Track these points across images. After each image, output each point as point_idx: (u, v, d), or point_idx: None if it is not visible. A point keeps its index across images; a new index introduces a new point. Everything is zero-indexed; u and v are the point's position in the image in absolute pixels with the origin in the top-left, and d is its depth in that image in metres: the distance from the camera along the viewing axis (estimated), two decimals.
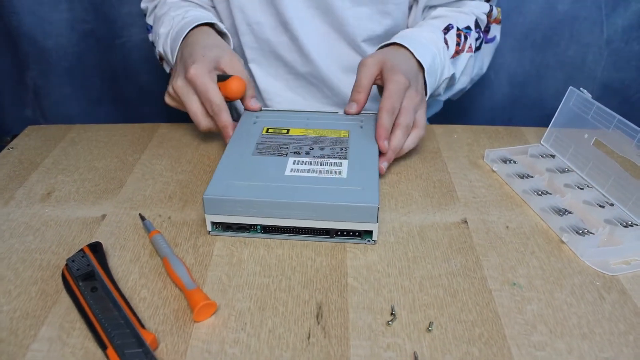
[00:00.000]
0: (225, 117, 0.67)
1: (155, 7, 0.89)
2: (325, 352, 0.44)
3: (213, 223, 0.57)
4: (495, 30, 0.88)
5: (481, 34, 0.84)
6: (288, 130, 0.68)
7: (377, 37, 0.84)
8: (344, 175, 0.59)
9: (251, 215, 0.56)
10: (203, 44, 0.71)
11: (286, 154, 0.63)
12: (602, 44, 1.16)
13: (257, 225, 0.57)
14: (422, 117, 0.69)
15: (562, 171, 0.68)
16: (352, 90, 0.70)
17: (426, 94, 0.74)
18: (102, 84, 1.32)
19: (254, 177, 0.58)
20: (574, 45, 1.17)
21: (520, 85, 1.24)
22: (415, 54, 0.72)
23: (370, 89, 0.70)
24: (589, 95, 0.67)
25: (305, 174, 0.59)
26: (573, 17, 1.14)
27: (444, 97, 0.88)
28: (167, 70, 0.87)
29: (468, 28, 0.81)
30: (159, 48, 0.83)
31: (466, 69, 0.83)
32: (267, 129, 0.68)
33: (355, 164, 0.61)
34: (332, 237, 0.57)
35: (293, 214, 0.55)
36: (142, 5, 0.93)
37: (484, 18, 0.84)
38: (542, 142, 0.75)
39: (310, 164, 0.61)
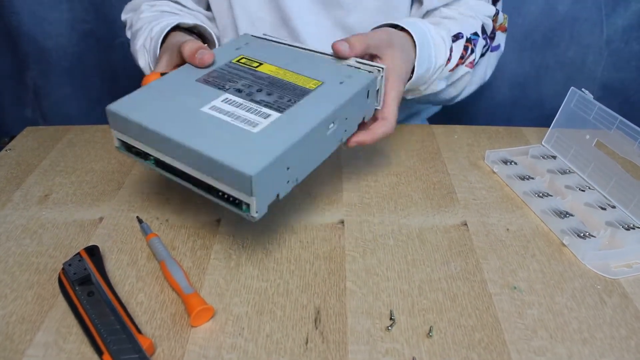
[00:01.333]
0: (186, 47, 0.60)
1: (132, 21, 0.86)
2: (323, 358, 0.44)
3: (119, 140, 0.53)
4: (500, 39, 0.86)
5: (487, 41, 0.81)
6: (260, 64, 0.60)
7: None
8: (258, 129, 0.49)
9: (145, 144, 0.51)
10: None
11: (226, 89, 0.55)
12: (602, 45, 1.16)
13: (151, 156, 0.51)
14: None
15: (563, 172, 0.68)
16: (356, 34, 0.62)
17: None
18: (102, 84, 1.32)
19: (169, 104, 0.52)
20: (574, 45, 1.17)
21: (520, 86, 1.24)
22: (417, 56, 0.67)
23: (366, 50, 0.62)
24: (590, 96, 0.67)
25: (220, 116, 0.51)
26: (573, 17, 1.14)
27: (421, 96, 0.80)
28: None
29: (476, 34, 0.78)
30: (139, 62, 0.79)
31: (457, 82, 0.78)
32: (241, 59, 0.60)
33: (284, 122, 0.51)
34: (213, 196, 0.49)
35: (178, 155, 0.49)
36: (122, 17, 0.89)
37: (490, 23, 0.81)
38: (543, 142, 0.74)
39: (238, 107, 0.52)
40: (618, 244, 0.58)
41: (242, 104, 0.53)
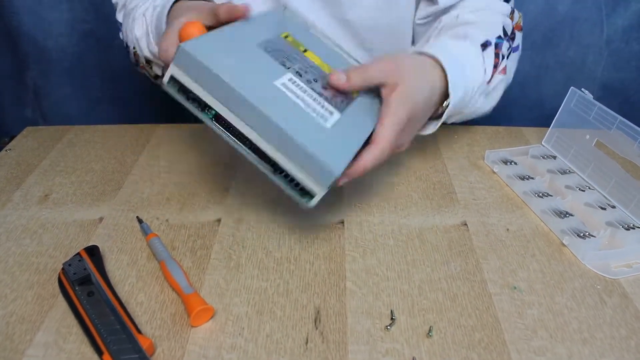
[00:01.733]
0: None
1: (125, 1, 0.83)
2: (323, 358, 0.44)
3: (173, 78, 0.49)
4: (519, 39, 0.81)
5: (510, 42, 0.77)
6: (305, 50, 0.59)
7: (381, 28, 0.83)
8: (329, 125, 0.50)
9: (212, 96, 0.48)
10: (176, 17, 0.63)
11: (287, 68, 0.53)
12: (602, 45, 1.16)
13: (212, 109, 0.49)
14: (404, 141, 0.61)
15: (563, 172, 0.68)
16: (356, 68, 0.59)
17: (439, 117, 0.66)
18: (102, 84, 1.32)
19: (245, 66, 0.50)
20: (574, 45, 1.17)
21: (520, 86, 1.23)
22: (450, 82, 0.62)
23: (365, 83, 0.58)
24: (590, 96, 0.67)
25: (293, 97, 0.50)
26: (573, 17, 1.14)
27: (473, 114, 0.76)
28: (159, 72, 0.78)
29: (500, 38, 0.73)
30: (144, 53, 0.75)
31: (493, 92, 0.75)
32: (287, 36, 0.59)
33: (347, 124, 0.52)
34: (272, 172, 0.49)
35: (251, 120, 0.47)
36: (113, 0, 0.86)
37: (509, 22, 0.77)
38: (543, 142, 0.74)
39: (304, 93, 0.52)
40: (618, 244, 0.57)
41: (307, 90, 0.52)
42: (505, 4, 0.79)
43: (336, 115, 0.52)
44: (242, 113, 0.47)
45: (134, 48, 0.77)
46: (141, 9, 0.74)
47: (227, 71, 0.47)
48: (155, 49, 0.71)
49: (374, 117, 0.55)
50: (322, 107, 0.52)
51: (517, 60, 0.82)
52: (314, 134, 0.48)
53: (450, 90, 0.61)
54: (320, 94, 0.53)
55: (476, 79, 0.67)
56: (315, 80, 0.54)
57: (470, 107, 0.69)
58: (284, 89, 0.50)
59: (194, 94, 0.49)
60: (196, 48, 0.47)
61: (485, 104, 0.74)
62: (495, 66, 0.71)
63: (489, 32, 0.73)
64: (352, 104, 0.55)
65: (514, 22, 0.80)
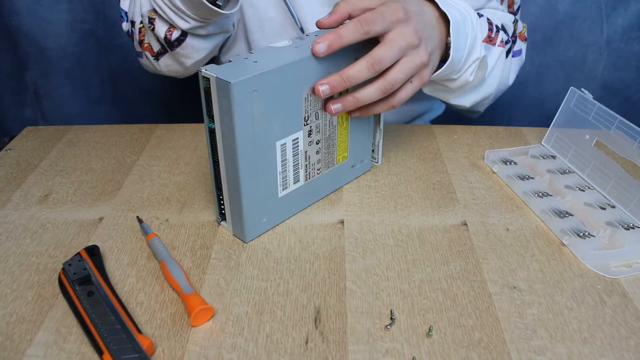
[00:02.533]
0: None
1: None
2: (324, 357, 0.44)
3: (205, 77, 0.50)
4: (521, 46, 0.82)
5: (509, 39, 0.76)
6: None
7: None
8: (280, 195, 0.58)
9: (220, 121, 0.51)
10: None
11: (306, 124, 0.57)
12: (602, 44, 1.16)
13: (213, 123, 0.52)
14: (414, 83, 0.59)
15: (563, 172, 0.68)
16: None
17: (446, 59, 0.63)
18: (102, 84, 1.32)
19: (267, 114, 0.52)
20: (574, 45, 1.17)
21: (520, 86, 1.24)
22: (439, 4, 0.61)
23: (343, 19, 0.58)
24: (590, 96, 0.67)
25: (278, 158, 0.56)
26: (573, 17, 1.14)
27: (467, 101, 0.76)
28: (162, 33, 0.74)
29: (497, 28, 0.73)
30: (147, 9, 0.73)
31: (497, 65, 0.73)
32: None
33: (298, 193, 0.61)
34: (215, 187, 0.57)
35: (228, 156, 0.52)
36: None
37: (510, 25, 0.78)
38: (542, 142, 0.74)
39: (292, 157, 0.57)
40: (618, 243, 0.58)
41: (297, 155, 0.58)
42: (508, 14, 0.79)
43: (299, 184, 0.60)
44: (226, 148, 0.52)
45: (140, 23, 0.77)
46: None
47: (242, 119, 0.49)
48: None
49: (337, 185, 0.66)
50: (295, 174, 0.59)
51: (518, 69, 0.82)
52: (259, 199, 0.56)
53: (444, 9, 0.61)
54: (306, 160, 0.59)
55: (471, 14, 0.66)
56: (317, 143, 0.60)
57: (478, 48, 0.67)
58: (278, 149, 0.55)
59: (210, 103, 0.51)
60: (240, 89, 0.48)
61: (478, 84, 0.73)
62: (490, 31, 0.71)
63: (487, 15, 0.73)
64: (326, 172, 0.63)
65: (518, 31, 0.80)
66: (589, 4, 1.12)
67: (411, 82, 0.59)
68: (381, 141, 0.69)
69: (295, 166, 0.58)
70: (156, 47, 0.78)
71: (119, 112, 1.36)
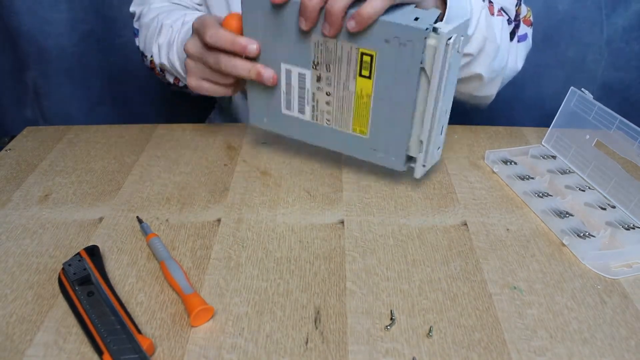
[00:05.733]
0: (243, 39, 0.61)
1: (141, 13, 0.86)
2: (324, 358, 0.44)
3: None
4: (527, 30, 0.80)
5: (512, 22, 0.75)
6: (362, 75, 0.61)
7: None
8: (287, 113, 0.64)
9: None
10: None
11: (313, 67, 0.59)
12: (602, 44, 1.16)
13: None
14: None
15: (563, 172, 0.68)
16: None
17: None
18: (102, 84, 1.32)
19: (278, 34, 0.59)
20: (574, 45, 1.17)
21: (520, 85, 1.23)
22: None
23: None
24: (590, 96, 0.67)
25: (283, 82, 0.62)
26: (573, 17, 1.14)
27: (487, 70, 0.73)
28: (171, 80, 0.82)
29: (491, 3, 0.72)
30: (161, 60, 0.78)
31: (503, 34, 0.71)
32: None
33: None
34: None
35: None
36: (131, 9, 0.89)
37: (512, 8, 0.76)
38: (543, 142, 0.74)
39: (301, 88, 0.62)
40: (618, 244, 0.57)
41: (304, 88, 0.61)
42: None
43: (304, 116, 0.63)
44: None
45: (151, 56, 0.81)
46: (169, 20, 0.78)
47: (250, 20, 0.60)
48: (174, 58, 0.76)
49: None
50: (300, 104, 0.62)
51: (525, 54, 0.81)
52: (262, 95, 0.64)
53: None
54: (313, 101, 0.62)
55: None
56: (328, 94, 0.60)
57: (478, 23, 0.66)
58: (283, 72, 0.61)
59: None
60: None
61: (501, 55, 0.72)
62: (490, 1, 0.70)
63: None
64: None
65: (522, 15, 0.78)
66: (589, 4, 1.12)
67: None
68: (426, 155, 0.60)
69: (301, 99, 0.62)
70: (166, 80, 0.83)
71: (119, 112, 1.36)
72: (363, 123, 0.60)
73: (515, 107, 1.27)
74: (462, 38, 0.54)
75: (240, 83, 0.68)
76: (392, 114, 0.58)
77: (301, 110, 0.63)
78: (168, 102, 1.35)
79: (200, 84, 0.67)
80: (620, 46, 1.16)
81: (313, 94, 0.61)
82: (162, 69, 0.81)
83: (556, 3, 1.12)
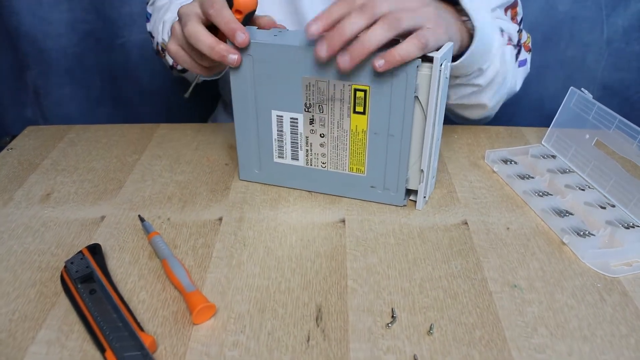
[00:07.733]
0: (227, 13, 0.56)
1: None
2: (325, 355, 0.44)
3: None
4: (526, 56, 0.82)
5: (514, 46, 0.76)
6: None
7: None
8: (279, 161, 0.64)
9: None
10: None
11: (308, 111, 0.59)
12: (602, 44, 1.16)
13: None
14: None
15: (563, 172, 0.68)
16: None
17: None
18: (102, 85, 1.32)
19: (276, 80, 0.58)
20: (574, 45, 1.17)
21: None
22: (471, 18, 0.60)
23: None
24: (590, 96, 0.67)
25: (274, 129, 0.62)
26: (573, 17, 1.14)
27: (492, 100, 0.75)
28: (170, 62, 0.80)
29: (502, 30, 0.74)
30: (162, 36, 0.77)
31: (510, 63, 0.74)
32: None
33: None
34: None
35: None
36: None
37: (515, 34, 0.78)
38: (543, 142, 0.75)
39: (291, 134, 0.62)
40: (618, 242, 0.58)
41: (297, 134, 0.61)
42: (512, 23, 0.79)
43: (298, 162, 0.63)
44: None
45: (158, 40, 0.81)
46: (179, 0, 0.77)
47: (237, 74, 0.59)
48: None
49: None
50: (293, 150, 0.62)
51: (523, 79, 0.83)
52: (252, 146, 0.63)
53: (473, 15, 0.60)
54: (306, 145, 0.61)
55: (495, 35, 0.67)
56: (322, 136, 0.60)
57: (494, 58, 0.67)
58: (274, 118, 0.60)
59: None
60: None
61: (509, 81, 0.74)
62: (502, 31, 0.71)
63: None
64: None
65: (522, 40, 0.80)
66: (589, 4, 1.12)
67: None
68: (426, 186, 0.60)
69: (294, 144, 0.62)
70: (168, 63, 0.82)
71: (119, 112, 1.36)
72: (360, 161, 0.61)
73: (515, 107, 1.27)
74: (449, 64, 0.55)
75: (217, 66, 0.64)
76: (390, 148, 0.59)
77: (294, 157, 0.62)
78: (168, 102, 1.35)
79: (178, 52, 0.62)
80: (620, 46, 1.16)
81: (306, 137, 0.61)
82: (164, 49, 0.79)
83: (556, 3, 1.13)
